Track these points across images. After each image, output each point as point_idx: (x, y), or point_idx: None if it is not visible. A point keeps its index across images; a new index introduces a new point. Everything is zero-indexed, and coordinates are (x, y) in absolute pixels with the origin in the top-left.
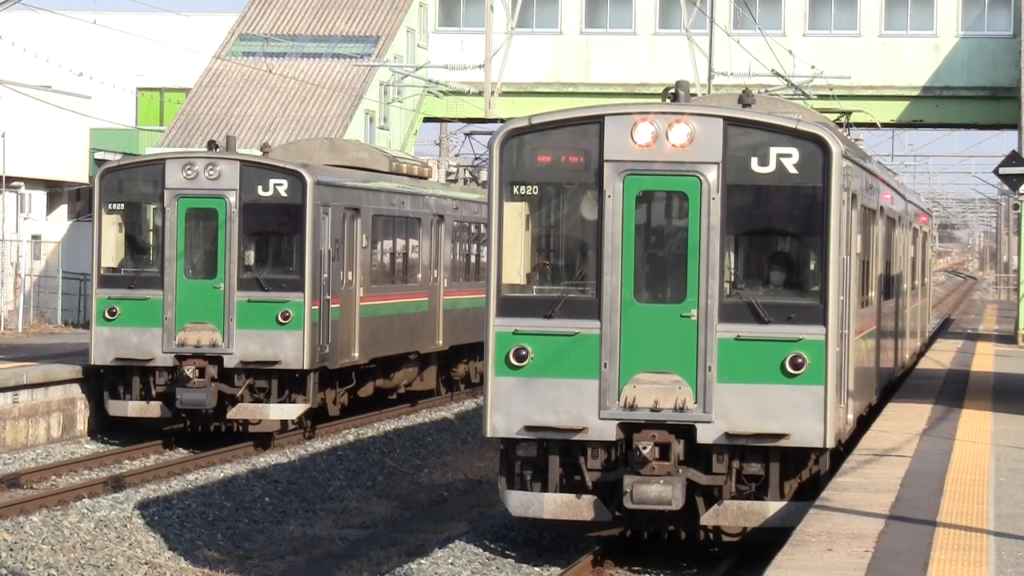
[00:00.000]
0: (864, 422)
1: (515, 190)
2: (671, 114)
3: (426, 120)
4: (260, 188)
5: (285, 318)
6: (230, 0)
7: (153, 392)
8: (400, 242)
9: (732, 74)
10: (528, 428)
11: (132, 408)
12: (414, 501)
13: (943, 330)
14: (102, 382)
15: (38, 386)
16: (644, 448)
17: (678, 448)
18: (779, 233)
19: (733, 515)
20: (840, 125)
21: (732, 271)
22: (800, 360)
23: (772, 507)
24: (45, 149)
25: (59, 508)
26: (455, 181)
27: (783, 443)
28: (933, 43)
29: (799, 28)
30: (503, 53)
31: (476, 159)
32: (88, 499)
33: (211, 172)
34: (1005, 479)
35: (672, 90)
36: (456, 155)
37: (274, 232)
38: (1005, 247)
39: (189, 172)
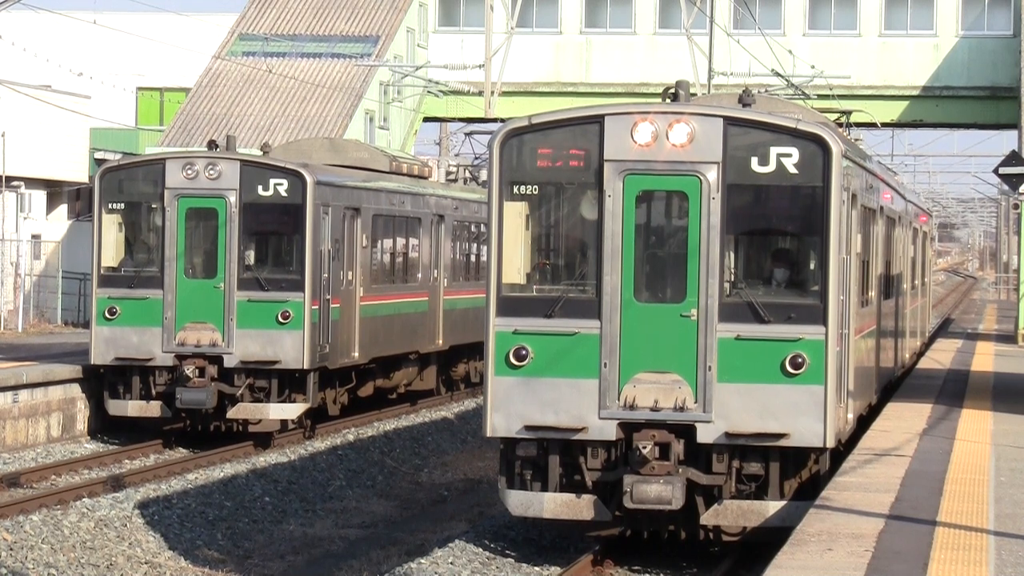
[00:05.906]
0: (864, 422)
1: (515, 190)
2: (671, 114)
3: (426, 120)
4: (260, 188)
5: (285, 318)
6: (230, 0)
7: (153, 392)
8: (400, 242)
9: (732, 74)
10: (528, 428)
11: (132, 408)
12: (414, 501)
13: (943, 330)
14: (102, 382)
15: (38, 386)
16: (644, 448)
17: (678, 448)
18: (779, 233)
19: (733, 515)
20: (840, 125)
21: (732, 271)
22: (800, 360)
23: (772, 507)
24: (45, 149)
25: (59, 508)
26: (455, 181)
27: (783, 443)
28: (933, 43)
29: (799, 28)
30: (503, 53)
31: (476, 159)
32: (88, 499)
33: (211, 172)
34: (1005, 479)
35: (672, 90)
36: (456, 155)
37: (274, 232)
38: (1005, 247)
39: (189, 172)
